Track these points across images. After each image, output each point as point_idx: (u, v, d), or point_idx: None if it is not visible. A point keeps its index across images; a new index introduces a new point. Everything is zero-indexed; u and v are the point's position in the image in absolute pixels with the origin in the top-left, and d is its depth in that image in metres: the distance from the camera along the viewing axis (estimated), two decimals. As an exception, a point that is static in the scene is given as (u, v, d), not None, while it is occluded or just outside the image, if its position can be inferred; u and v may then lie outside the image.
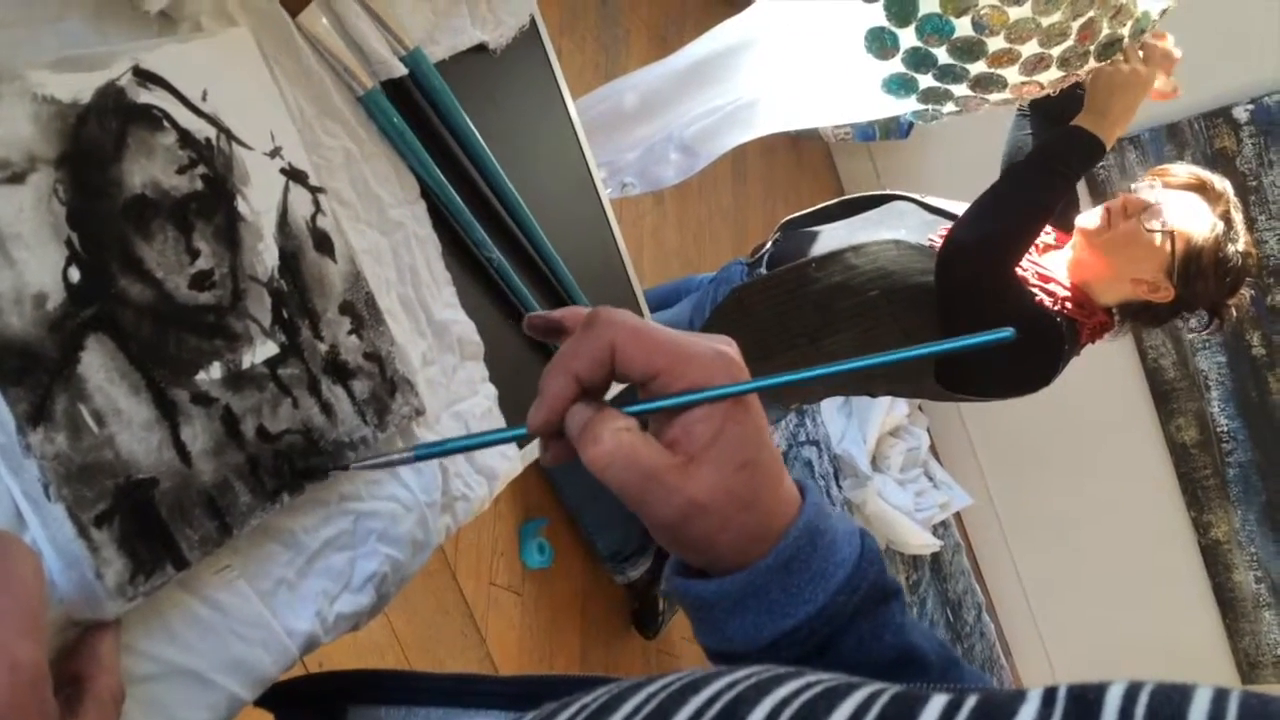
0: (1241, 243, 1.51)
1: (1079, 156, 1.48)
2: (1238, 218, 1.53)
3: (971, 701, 0.32)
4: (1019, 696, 0.32)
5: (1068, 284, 1.60)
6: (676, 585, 0.51)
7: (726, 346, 0.48)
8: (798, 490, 0.50)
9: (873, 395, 1.85)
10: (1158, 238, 1.50)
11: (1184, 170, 1.58)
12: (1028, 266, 1.59)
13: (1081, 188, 3.61)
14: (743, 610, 0.47)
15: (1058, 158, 1.49)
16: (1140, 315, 1.61)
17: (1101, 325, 1.61)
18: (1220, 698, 0.30)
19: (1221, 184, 1.55)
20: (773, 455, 0.48)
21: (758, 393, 0.47)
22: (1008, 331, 0.46)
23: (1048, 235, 1.70)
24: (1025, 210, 1.48)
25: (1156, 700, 0.30)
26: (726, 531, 0.46)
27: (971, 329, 0.47)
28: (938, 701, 0.33)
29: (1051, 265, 1.64)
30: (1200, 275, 1.49)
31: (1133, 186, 1.60)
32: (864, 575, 0.48)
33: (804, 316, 1.65)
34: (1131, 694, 0.31)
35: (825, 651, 0.47)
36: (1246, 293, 1.56)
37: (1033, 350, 1.54)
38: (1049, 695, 0.32)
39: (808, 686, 0.35)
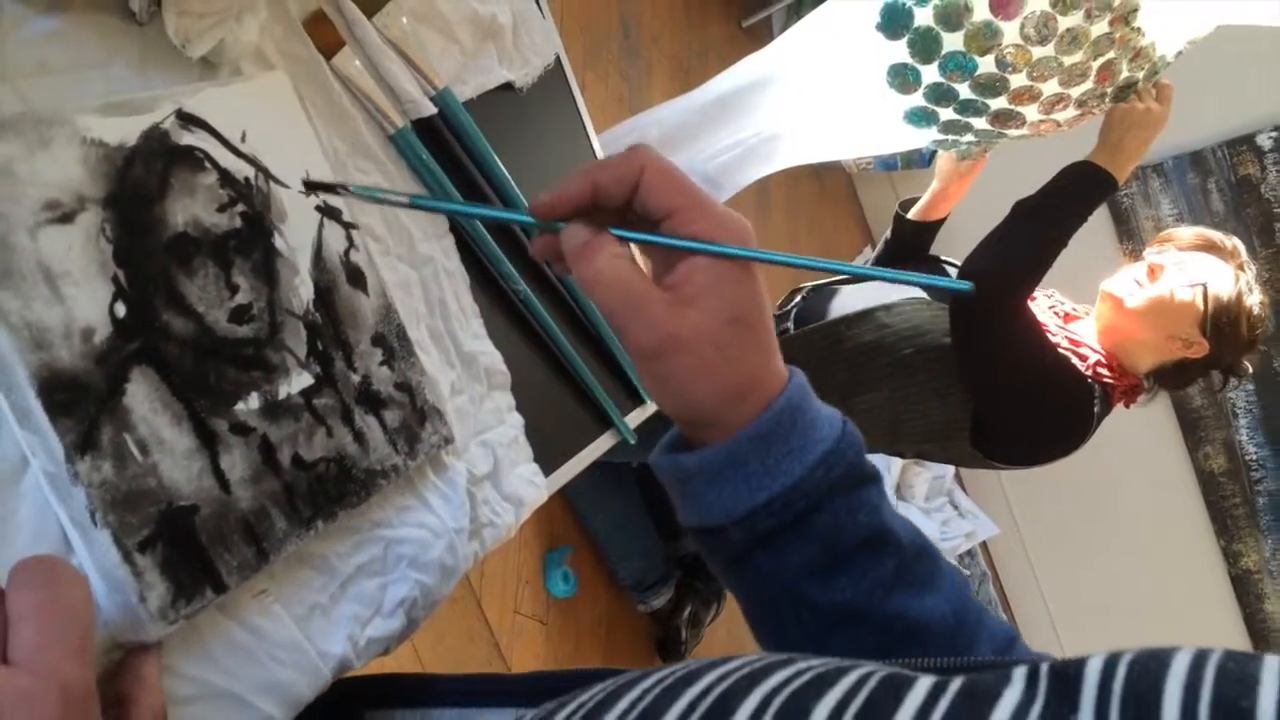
0: (1257, 293, 1.55)
1: (1091, 191, 1.49)
2: (1251, 271, 1.57)
3: (957, 684, 0.33)
4: (1004, 678, 0.33)
5: (1099, 349, 1.61)
6: (662, 461, 0.52)
7: (743, 218, 0.49)
8: (788, 372, 0.50)
9: (902, 456, 1.86)
10: (1189, 293, 1.52)
11: (1189, 232, 1.62)
12: (1056, 332, 1.61)
13: (1105, 218, 3.62)
14: (721, 481, 0.48)
15: (1070, 192, 1.50)
16: (1175, 379, 1.62)
17: (1134, 388, 1.62)
18: (1198, 664, 0.30)
19: (1231, 240, 1.59)
20: (767, 327, 0.49)
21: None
22: (967, 284, 0.49)
23: (1065, 304, 1.73)
24: (1038, 242, 1.49)
25: (1134, 671, 0.30)
26: (706, 377, 0.47)
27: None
28: (924, 684, 0.33)
29: (1080, 331, 1.65)
30: (1232, 326, 1.51)
31: (1145, 253, 1.64)
32: (842, 455, 0.49)
33: (836, 374, 1.66)
34: (1110, 666, 0.31)
35: (800, 526, 0.49)
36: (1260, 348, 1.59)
37: (1066, 412, 1.55)
38: (1032, 675, 0.32)
39: (798, 674, 0.36)
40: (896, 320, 1.62)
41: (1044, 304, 1.71)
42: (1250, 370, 1.60)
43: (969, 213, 1.88)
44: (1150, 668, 0.30)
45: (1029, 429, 1.59)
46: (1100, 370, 1.57)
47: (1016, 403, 1.54)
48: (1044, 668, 0.33)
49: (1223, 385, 1.63)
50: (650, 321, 0.45)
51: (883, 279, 0.49)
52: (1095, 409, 1.53)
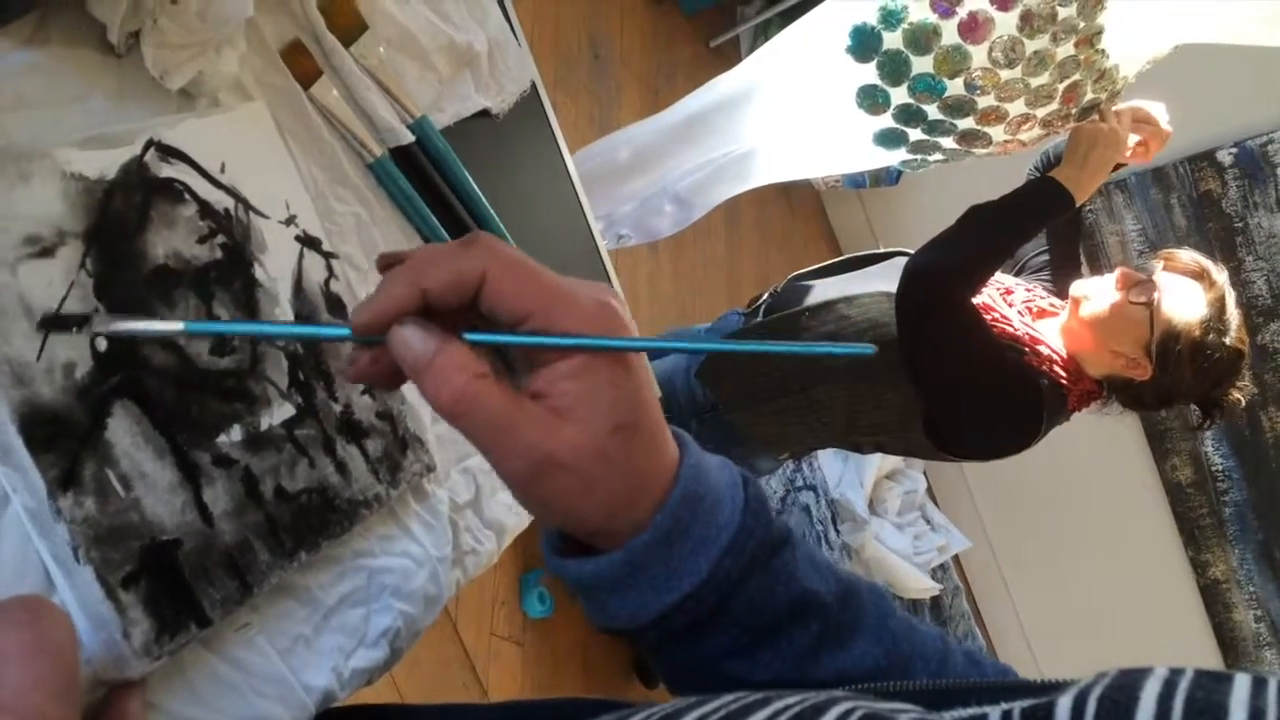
0: (1230, 336, 1.48)
1: (1046, 207, 1.50)
2: (1231, 310, 1.50)
3: None
4: None
5: (1058, 349, 1.61)
6: (553, 565, 0.46)
7: (610, 298, 0.42)
8: (676, 447, 0.45)
9: (861, 451, 1.86)
10: (1140, 312, 1.50)
11: (1189, 256, 1.57)
12: (1020, 327, 1.61)
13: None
14: (624, 589, 0.43)
15: (1025, 204, 1.51)
16: (1123, 394, 1.61)
17: (1088, 393, 1.61)
18: (1167, 696, 0.30)
19: (1220, 275, 1.53)
20: (653, 419, 0.43)
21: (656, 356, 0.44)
22: (869, 347, 0.45)
23: (1044, 300, 1.73)
24: (984, 246, 1.50)
25: (1103, 710, 0.30)
26: (591, 494, 0.41)
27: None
28: None
29: (1045, 330, 1.65)
30: (1178, 359, 1.48)
31: (1136, 265, 1.61)
32: (750, 534, 0.44)
33: (796, 365, 1.67)
34: (1079, 707, 0.31)
35: (718, 615, 0.45)
36: (1239, 395, 1.52)
37: (1012, 407, 1.54)
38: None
39: (774, 716, 0.35)
40: (855, 312, 1.63)
41: (1020, 298, 1.70)
42: (1226, 412, 1.53)
43: (940, 216, 1.89)
44: (1120, 702, 0.30)
45: (973, 423, 1.59)
46: (1056, 370, 1.57)
47: (958, 398, 1.54)
48: (1016, 714, 0.32)
49: (1199, 423, 1.58)
50: (524, 447, 0.39)
51: (754, 351, 0.45)
52: (1043, 408, 1.53)
